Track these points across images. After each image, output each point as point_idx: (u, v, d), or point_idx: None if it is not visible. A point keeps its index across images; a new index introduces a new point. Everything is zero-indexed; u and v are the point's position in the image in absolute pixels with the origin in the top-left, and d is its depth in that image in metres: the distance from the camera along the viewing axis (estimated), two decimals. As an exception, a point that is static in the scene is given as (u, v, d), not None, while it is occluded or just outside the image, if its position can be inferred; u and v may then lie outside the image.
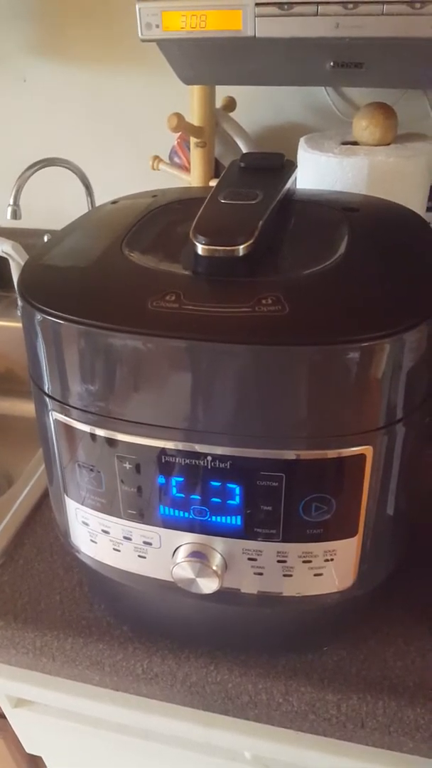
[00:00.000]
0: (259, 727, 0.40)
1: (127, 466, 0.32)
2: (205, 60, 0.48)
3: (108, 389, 0.30)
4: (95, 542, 0.36)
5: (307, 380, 0.28)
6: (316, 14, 0.41)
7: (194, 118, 0.63)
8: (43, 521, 0.50)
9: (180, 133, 0.69)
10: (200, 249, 0.31)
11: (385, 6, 0.40)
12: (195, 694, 0.39)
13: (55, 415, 0.33)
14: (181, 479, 0.31)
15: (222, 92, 0.69)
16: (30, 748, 0.56)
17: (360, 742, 0.38)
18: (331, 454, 0.29)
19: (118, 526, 0.34)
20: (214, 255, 0.31)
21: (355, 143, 0.54)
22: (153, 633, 0.41)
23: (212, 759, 0.46)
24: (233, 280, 0.31)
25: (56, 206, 0.83)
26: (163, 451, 0.31)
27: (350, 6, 0.40)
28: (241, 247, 0.31)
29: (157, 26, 0.45)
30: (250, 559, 0.33)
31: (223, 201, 0.36)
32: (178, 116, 0.59)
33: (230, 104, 0.69)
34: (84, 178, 0.75)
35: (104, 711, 0.46)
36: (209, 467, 0.31)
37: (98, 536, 0.36)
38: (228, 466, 0.30)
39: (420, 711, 0.37)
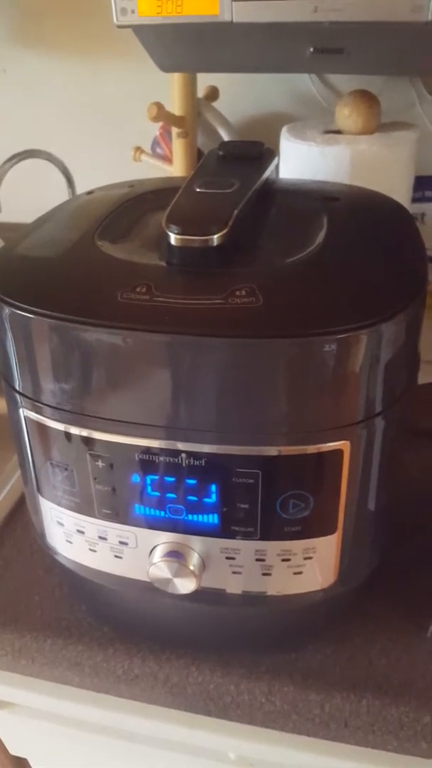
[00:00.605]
0: (242, 728, 0.40)
1: (100, 464, 0.31)
2: (182, 46, 0.47)
3: (77, 385, 0.29)
4: (71, 542, 0.35)
5: (279, 374, 0.27)
6: (295, -2, 0.40)
7: (175, 107, 0.62)
8: (23, 521, 0.49)
9: (162, 123, 0.67)
10: (173, 239, 0.30)
11: (364, -11, 0.39)
12: (177, 696, 0.39)
13: (25, 413, 0.32)
14: (156, 477, 0.31)
15: (204, 81, 0.68)
16: (14, 750, 0.55)
17: (344, 741, 0.37)
18: (307, 450, 0.29)
19: (93, 525, 0.33)
20: (187, 245, 0.30)
21: (338, 132, 0.53)
22: (134, 634, 0.40)
23: (197, 760, 0.46)
24: (207, 271, 0.30)
25: (39, 199, 0.82)
26: (136, 449, 0.30)
27: (329, -11, 0.39)
28: (215, 236, 0.30)
29: (133, 11, 0.44)
30: (228, 558, 0.32)
31: (198, 190, 0.35)
32: (158, 106, 0.58)
33: (213, 93, 0.68)
34: (65, 170, 0.74)
35: (87, 712, 0.45)
36: (184, 464, 0.30)
37: (73, 536, 0.35)
38: (203, 464, 0.29)
39: (404, 709, 0.36)
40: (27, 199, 0.80)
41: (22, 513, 0.50)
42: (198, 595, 0.33)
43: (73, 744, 0.51)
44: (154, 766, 0.49)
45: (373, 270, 0.30)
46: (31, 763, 0.57)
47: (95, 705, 0.44)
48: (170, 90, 0.63)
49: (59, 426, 0.31)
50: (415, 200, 0.64)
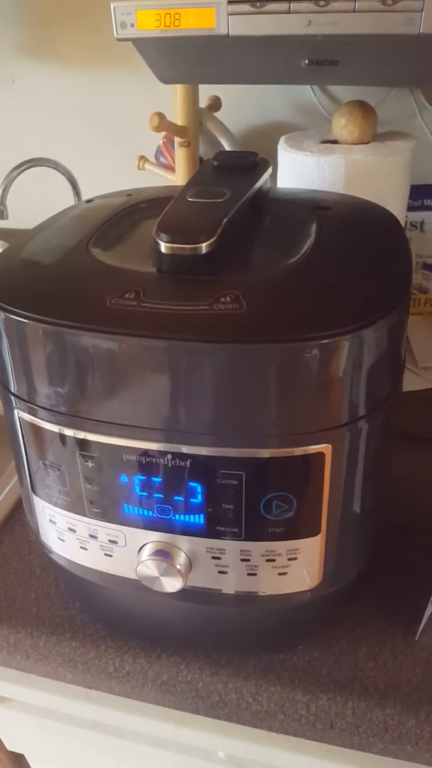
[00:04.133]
0: (231, 727, 0.40)
1: (90, 464, 0.32)
2: (181, 59, 0.48)
3: (68, 387, 0.30)
4: (63, 540, 0.36)
5: (259, 379, 0.28)
6: (289, 12, 0.41)
7: (177, 117, 0.63)
8: (22, 519, 0.50)
9: (165, 133, 0.69)
10: (163, 247, 0.31)
11: (356, 3, 0.40)
12: (166, 693, 0.39)
13: (19, 414, 0.33)
14: (143, 477, 0.31)
15: (207, 92, 0.70)
16: (11, 746, 0.56)
17: (330, 742, 0.38)
18: (290, 452, 0.29)
19: (84, 524, 0.34)
20: (176, 253, 0.31)
21: (335, 142, 0.54)
22: (125, 631, 0.41)
23: (187, 758, 0.46)
24: (195, 278, 0.31)
25: (45, 206, 0.83)
26: (124, 450, 0.31)
27: (322, 3, 0.40)
28: (204, 245, 0.31)
29: (132, 25, 0.45)
30: (214, 557, 0.33)
31: (190, 199, 0.36)
32: (160, 116, 0.60)
33: (215, 104, 0.69)
34: (71, 178, 0.75)
35: (80, 709, 0.46)
36: (170, 465, 0.31)
37: (65, 534, 0.36)
38: (188, 465, 0.30)
39: (389, 712, 0.36)
40: (33, 206, 0.82)
41: (22, 512, 0.51)
42: (185, 593, 0.34)
43: (68, 740, 0.51)
44: (145, 764, 0.50)
45: (356, 277, 0.31)
46: (28, 759, 0.58)
47: (87, 701, 0.45)
48: (173, 100, 0.64)
49: (51, 427, 0.32)
50: (414, 208, 0.65)
